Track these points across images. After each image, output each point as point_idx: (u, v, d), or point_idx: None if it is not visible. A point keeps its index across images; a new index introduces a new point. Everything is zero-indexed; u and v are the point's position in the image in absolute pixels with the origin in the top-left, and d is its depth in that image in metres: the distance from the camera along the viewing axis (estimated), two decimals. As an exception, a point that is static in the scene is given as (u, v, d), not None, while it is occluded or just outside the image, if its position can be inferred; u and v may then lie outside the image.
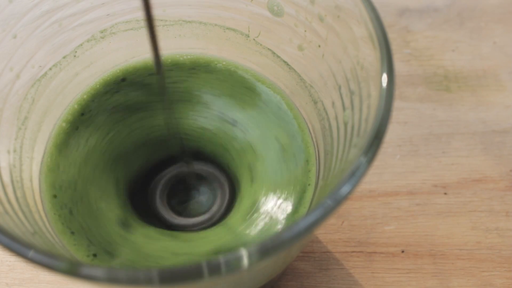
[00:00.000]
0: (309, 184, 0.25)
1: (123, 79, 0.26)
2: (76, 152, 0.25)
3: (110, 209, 0.24)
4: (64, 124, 0.25)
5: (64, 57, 0.25)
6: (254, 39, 0.26)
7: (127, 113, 0.26)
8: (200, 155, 0.27)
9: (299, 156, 0.26)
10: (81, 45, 0.26)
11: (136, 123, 0.26)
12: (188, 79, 0.27)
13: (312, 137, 0.26)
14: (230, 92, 0.27)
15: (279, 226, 0.24)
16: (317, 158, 0.26)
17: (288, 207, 0.25)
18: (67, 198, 0.24)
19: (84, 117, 0.26)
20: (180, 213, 0.26)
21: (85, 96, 0.26)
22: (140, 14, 0.26)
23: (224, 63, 0.27)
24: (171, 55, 0.27)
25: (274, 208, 0.25)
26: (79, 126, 0.26)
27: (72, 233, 0.23)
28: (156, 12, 0.26)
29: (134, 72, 0.27)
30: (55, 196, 0.24)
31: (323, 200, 0.16)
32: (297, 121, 0.26)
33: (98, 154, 0.25)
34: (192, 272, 0.15)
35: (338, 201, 0.16)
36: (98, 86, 0.26)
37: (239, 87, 0.27)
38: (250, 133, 0.26)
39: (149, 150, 0.27)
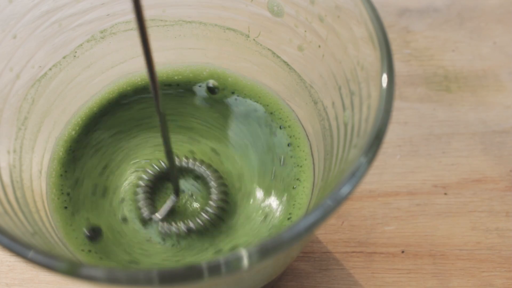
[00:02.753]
0: (303, 181, 0.25)
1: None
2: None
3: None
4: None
5: (64, 57, 0.25)
6: (254, 39, 0.26)
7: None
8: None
9: (294, 158, 0.26)
10: (81, 45, 0.26)
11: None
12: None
13: (308, 140, 0.26)
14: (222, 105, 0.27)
15: (273, 230, 0.24)
16: (313, 159, 0.26)
17: (282, 210, 0.25)
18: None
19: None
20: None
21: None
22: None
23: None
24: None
25: (267, 211, 0.25)
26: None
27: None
28: (156, 12, 0.26)
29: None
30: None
31: (323, 200, 0.16)
32: (292, 128, 0.27)
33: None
34: (192, 273, 0.15)
35: (338, 202, 0.16)
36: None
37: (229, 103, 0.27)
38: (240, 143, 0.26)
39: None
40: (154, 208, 0.25)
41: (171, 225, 0.24)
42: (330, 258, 0.31)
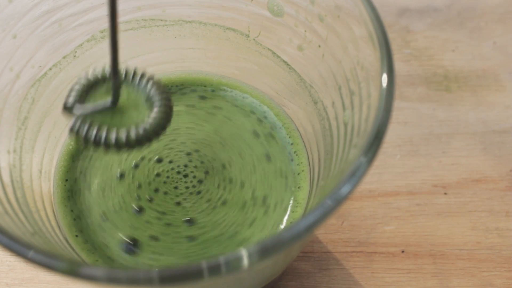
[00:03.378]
0: (299, 187, 0.25)
1: None
2: None
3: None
4: None
5: (64, 57, 0.25)
6: (254, 39, 0.26)
7: None
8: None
9: (287, 160, 0.26)
10: (81, 45, 0.26)
11: None
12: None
13: (303, 141, 0.27)
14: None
15: (271, 231, 0.24)
16: (310, 160, 0.26)
17: (280, 210, 0.25)
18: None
19: None
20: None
21: None
22: (140, 14, 0.26)
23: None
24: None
25: (265, 213, 0.25)
26: None
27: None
28: (156, 12, 0.26)
29: None
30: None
31: (323, 200, 0.16)
32: (286, 128, 0.27)
33: None
34: (192, 272, 0.15)
35: (338, 201, 0.16)
36: None
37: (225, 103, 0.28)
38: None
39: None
40: (83, 103, 0.21)
41: (86, 125, 0.20)
42: (330, 258, 0.31)
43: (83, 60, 0.26)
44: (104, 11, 0.25)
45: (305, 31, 0.24)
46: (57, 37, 0.25)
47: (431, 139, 0.34)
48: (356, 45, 0.20)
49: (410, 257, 0.31)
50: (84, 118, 0.21)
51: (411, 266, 0.30)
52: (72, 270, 0.15)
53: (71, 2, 0.24)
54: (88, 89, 0.21)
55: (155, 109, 0.21)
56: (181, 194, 0.26)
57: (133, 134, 0.20)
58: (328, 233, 0.31)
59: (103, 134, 0.20)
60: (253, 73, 0.28)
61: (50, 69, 0.25)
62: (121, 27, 0.26)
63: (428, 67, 0.37)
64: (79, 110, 0.21)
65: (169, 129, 0.26)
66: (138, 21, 0.26)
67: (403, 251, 0.31)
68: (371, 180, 0.33)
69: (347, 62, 0.21)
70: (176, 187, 0.26)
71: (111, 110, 0.21)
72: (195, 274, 0.15)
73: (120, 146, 0.21)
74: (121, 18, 0.26)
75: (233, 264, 0.15)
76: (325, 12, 0.22)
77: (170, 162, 0.26)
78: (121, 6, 0.26)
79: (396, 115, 0.35)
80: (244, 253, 0.15)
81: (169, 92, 0.22)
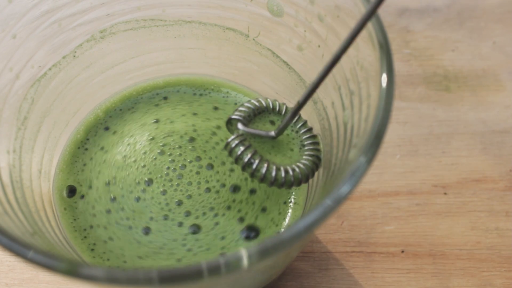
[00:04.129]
0: (299, 187, 0.25)
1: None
2: None
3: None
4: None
5: (63, 57, 0.25)
6: (254, 39, 0.26)
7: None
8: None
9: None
10: (81, 45, 0.26)
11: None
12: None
13: None
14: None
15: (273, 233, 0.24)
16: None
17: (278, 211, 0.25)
18: None
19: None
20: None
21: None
22: (140, 14, 0.26)
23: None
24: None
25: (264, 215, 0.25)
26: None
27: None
28: (156, 12, 0.26)
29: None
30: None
31: (323, 200, 0.16)
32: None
33: None
34: (192, 273, 0.15)
35: (338, 201, 0.16)
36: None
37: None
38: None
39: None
40: (246, 123, 0.23)
41: (243, 147, 0.21)
42: (330, 258, 0.31)
43: (83, 60, 0.26)
44: (104, 11, 0.25)
45: (305, 31, 0.24)
46: (57, 37, 0.25)
47: (431, 139, 0.34)
48: (355, 45, 0.20)
49: (410, 257, 0.31)
50: (243, 138, 0.22)
51: (411, 266, 0.30)
52: (72, 270, 0.15)
53: (71, 2, 0.24)
54: (256, 113, 0.23)
55: (305, 161, 0.22)
56: (182, 190, 0.26)
57: (281, 175, 0.22)
58: (328, 233, 0.31)
59: (256, 163, 0.21)
60: (252, 73, 0.28)
61: (50, 69, 0.25)
62: (120, 27, 0.26)
63: (427, 67, 0.37)
64: (241, 126, 0.22)
65: (168, 133, 0.26)
66: (138, 21, 0.26)
67: (403, 251, 0.31)
68: (371, 180, 0.33)
69: (346, 62, 0.21)
70: (178, 184, 0.26)
71: (268, 141, 0.23)
72: (194, 274, 0.15)
73: (265, 180, 0.22)
74: (120, 18, 0.26)
75: (233, 265, 0.15)
76: (325, 12, 0.22)
77: (170, 155, 0.26)
78: (120, 6, 0.26)
79: (396, 115, 0.35)
80: (244, 253, 0.15)
81: (321, 151, 0.23)
